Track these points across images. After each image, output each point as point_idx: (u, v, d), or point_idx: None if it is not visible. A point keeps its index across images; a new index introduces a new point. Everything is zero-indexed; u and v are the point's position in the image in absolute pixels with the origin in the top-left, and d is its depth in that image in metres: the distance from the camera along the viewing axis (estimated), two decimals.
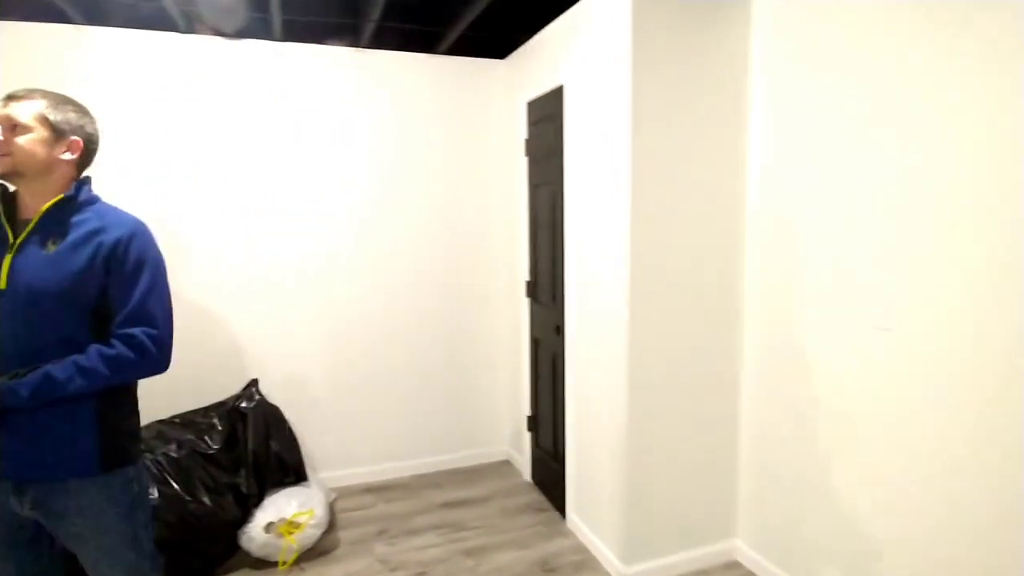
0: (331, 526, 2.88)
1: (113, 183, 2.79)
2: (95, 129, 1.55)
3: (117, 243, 1.44)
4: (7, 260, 1.41)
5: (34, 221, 1.44)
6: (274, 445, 2.68)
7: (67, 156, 1.47)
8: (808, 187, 2.16)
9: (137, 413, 1.61)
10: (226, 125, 2.99)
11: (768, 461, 2.40)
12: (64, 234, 1.44)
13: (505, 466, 3.59)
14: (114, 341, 1.42)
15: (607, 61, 2.37)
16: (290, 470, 2.70)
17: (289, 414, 3.13)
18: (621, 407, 2.38)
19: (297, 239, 3.15)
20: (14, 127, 1.41)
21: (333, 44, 3.12)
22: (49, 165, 1.45)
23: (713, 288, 2.44)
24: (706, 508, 2.53)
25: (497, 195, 3.50)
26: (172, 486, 2.40)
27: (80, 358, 1.38)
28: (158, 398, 2.86)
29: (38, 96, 1.45)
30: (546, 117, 2.94)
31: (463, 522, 2.96)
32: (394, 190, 3.31)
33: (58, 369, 1.36)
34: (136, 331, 1.43)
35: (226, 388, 2.95)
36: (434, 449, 3.52)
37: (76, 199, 1.47)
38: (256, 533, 2.53)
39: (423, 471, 3.48)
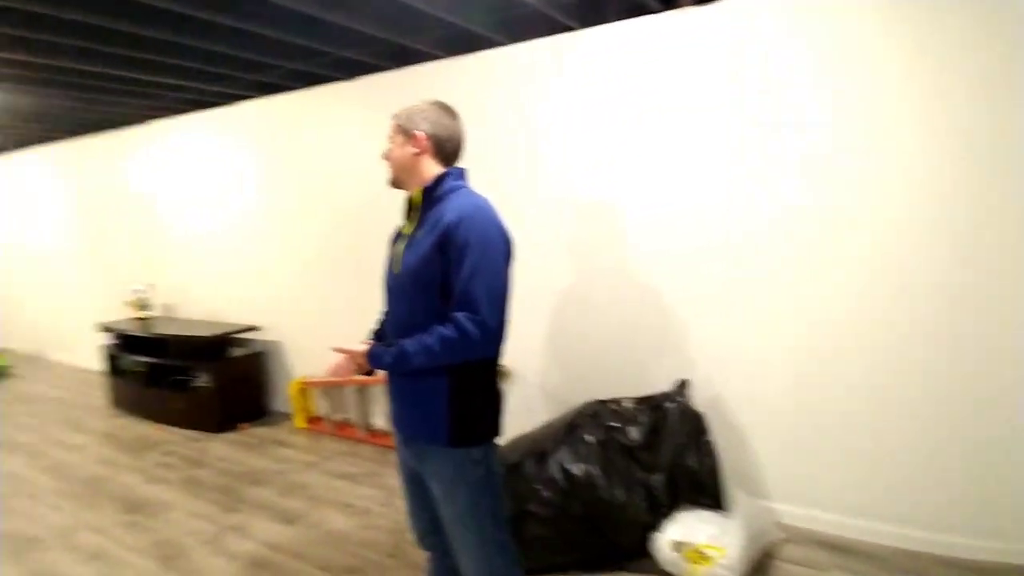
0: (761, 571, 2.40)
1: (585, 164, 3.06)
2: (442, 123, 1.62)
3: (447, 228, 1.49)
4: (401, 247, 1.65)
5: (416, 213, 1.64)
6: (690, 459, 2.39)
7: (414, 150, 1.61)
8: None
9: (493, 395, 1.62)
10: (689, 93, 2.77)
11: None
12: (424, 222, 1.59)
13: None
14: (447, 322, 1.49)
15: None
16: (705, 491, 2.36)
17: (737, 424, 2.78)
18: None
19: (750, 230, 2.67)
20: (391, 140, 1.66)
21: None
22: (408, 163, 1.62)
23: None
24: None
25: None
26: (593, 468, 2.45)
27: (425, 335, 1.50)
28: (609, 377, 3.02)
29: (402, 111, 1.65)
30: None
31: None
32: (878, 151, 2.38)
33: (410, 343, 1.52)
34: (460, 314, 1.46)
35: (666, 381, 2.80)
36: (935, 523, 2.46)
37: (434, 190, 1.60)
38: (663, 545, 2.34)
39: (911, 547, 2.48)
